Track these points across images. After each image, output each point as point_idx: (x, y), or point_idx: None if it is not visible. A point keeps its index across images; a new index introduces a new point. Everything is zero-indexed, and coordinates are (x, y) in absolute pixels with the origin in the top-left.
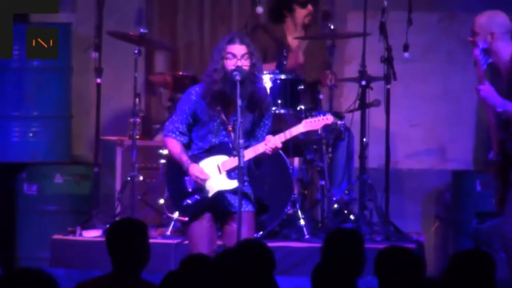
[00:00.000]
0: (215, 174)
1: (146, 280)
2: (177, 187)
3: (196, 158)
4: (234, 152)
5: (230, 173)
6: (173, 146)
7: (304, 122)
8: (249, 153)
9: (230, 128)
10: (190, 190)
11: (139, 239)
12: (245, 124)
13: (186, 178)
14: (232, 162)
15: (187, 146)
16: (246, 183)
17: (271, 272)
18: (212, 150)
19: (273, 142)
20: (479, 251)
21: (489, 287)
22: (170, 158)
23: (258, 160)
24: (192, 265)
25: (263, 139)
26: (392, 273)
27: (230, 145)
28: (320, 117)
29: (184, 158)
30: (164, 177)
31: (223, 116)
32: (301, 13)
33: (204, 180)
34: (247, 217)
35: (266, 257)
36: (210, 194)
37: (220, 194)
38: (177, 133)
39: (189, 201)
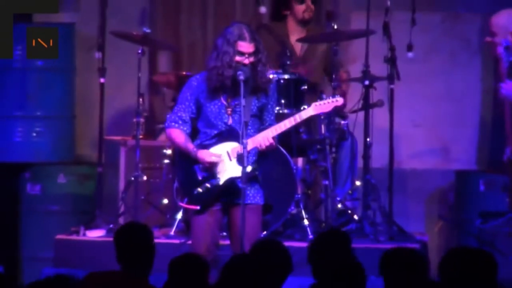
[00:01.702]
0: (225, 161)
1: (152, 285)
2: (187, 176)
3: (204, 147)
4: (243, 140)
5: (240, 159)
6: (176, 135)
7: (314, 105)
8: (251, 144)
9: (229, 111)
10: (200, 178)
11: (146, 242)
12: (248, 109)
13: (196, 166)
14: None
15: (191, 136)
16: (258, 174)
17: (286, 276)
18: (221, 137)
19: (266, 136)
20: (476, 250)
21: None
22: (176, 146)
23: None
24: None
25: (271, 122)
26: (398, 273)
27: (239, 132)
28: (330, 99)
29: (190, 146)
30: (174, 166)
31: (223, 100)
32: (300, 9)
33: (219, 160)
34: (255, 209)
35: (284, 259)
36: (221, 182)
37: (232, 182)
38: (180, 122)
39: (199, 190)
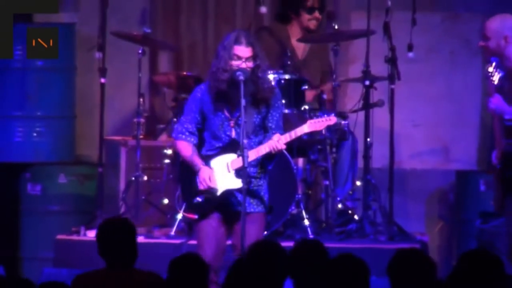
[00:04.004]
0: (224, 172)
1: (140, 270)
2: (188, 185)
3: (208, 157)
4: (238, 152)
5: (238, 172)
6: (183, 147)
7: (308, 122)
8: (253, 154)
9: (232, 124)
10: (200, 188)
11: (128, 237)
12: (250, 121)
13: (197, 176)
14: (241, 161)
15: (198, 146)
16: (262, 183)
17: (285, 277)
18: (223, 149)
19: (276, 144)
20: (485, 252)
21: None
22: (183, 158)
23: (270, 156)
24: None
25: (275, 128)
26: (405, 274)
27: (241, 144)
28: (324, 118)
29: (196, 159)
30: (177, 174)
31: (226, 113)
32: (306, 17)
33: (210, 187)
34: (257, 218)
35: (282, 260)
36: (218, 193)
37: (229, 193)
38: (187, 133)
39: (199, 199)
